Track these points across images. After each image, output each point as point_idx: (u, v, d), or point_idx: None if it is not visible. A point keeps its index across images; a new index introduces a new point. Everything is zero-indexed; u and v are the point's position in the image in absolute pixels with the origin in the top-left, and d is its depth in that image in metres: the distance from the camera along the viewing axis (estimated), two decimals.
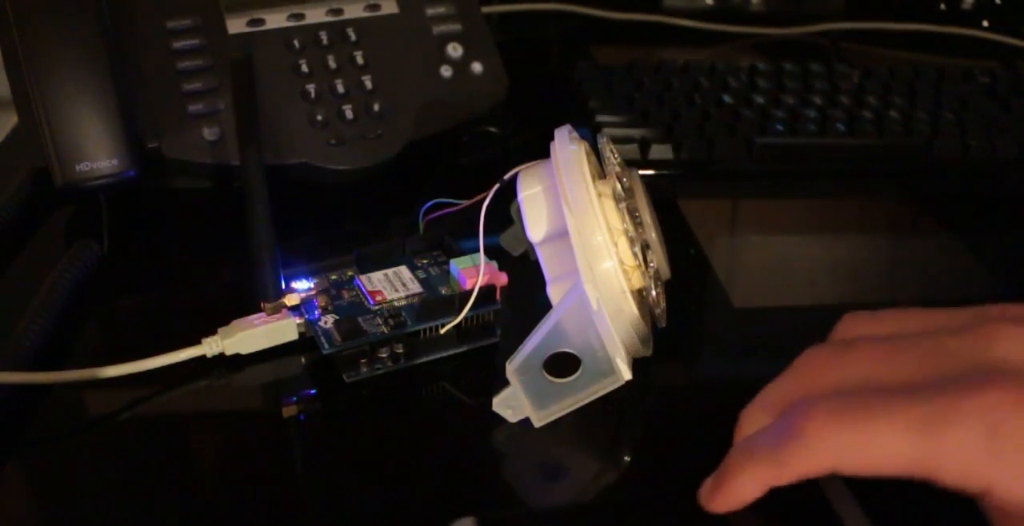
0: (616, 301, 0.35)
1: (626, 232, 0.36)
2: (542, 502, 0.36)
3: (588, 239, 0.35)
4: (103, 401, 0.40)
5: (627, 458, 0.39)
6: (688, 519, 0.34)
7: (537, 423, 0.36)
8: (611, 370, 0.35)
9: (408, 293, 0.43)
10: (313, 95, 0.53)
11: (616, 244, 0.36)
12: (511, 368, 0.35)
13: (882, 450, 0.29)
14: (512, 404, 0.37)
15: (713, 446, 0.39)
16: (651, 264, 0.36)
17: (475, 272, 0.41)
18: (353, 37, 0.55)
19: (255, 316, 0.42)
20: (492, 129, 0.63)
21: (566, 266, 0.37)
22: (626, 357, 0.36)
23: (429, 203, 0.45)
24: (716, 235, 0.54)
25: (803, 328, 0.45)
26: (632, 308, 0.36)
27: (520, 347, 0.35)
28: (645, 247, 0.36)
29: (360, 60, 0.54)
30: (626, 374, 0.35)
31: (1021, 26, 0.79)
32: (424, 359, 0.42)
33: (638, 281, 0.37)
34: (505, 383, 0.36)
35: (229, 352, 0.41)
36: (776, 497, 0.32)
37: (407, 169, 0.54)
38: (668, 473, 0.37)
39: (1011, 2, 0.81)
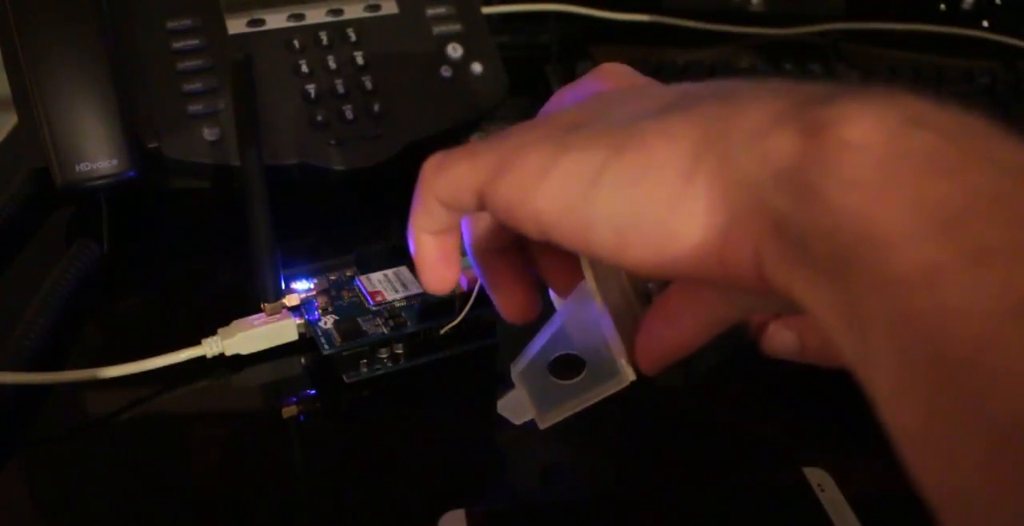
0: (620, 301, 0.35)
1: None
2: (536, 498, 0.36)
3: None
4: (103, 401, 0.40)
5: (624, 456, 0.39)
6: (681, 515, 0.34)
7: (542, 425, 0.36)
8: (615, 371, 0.34)
9: (408, 294, 0.43)
10: (313, 95, 0.53)
11: None
12: (516, 371, 0.35)
13: (455, 175, 0.29)
14: (516, 407, 0.37)
15: (711, 445, 0.39)
16: None
17: (475, 273, 0.41)
18: (353, 37, 0.55)
19: (255, 316, 0.42)
20: (492, 129, 0.63)
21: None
22: (630, 358, 0.36)
23: None
24: None
25: None
26: (636, 308, 0.36)
27: (524, 350, 0.35)
28: None
29: (360, 60, 0.54)
30: (630, 375, 0.35)
31: (1021, 26, 0.79)
32: (424, 360, 0.42)
33: (638, 281, 0.37)
34: (507, 385, 0.36)
35: (229, 352, 0.41)
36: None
37: (407, 169, 0.54)
38: (663, 470, 0.37)
39: (1011, 2, 0.81)
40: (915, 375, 0.19)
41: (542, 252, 0.34)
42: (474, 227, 0.33)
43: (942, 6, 0.82)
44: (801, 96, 0.23)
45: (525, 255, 0.34)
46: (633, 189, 0.24)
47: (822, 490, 0.34)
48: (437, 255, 0.32)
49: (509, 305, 0.34)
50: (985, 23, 0.81)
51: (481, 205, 0.28)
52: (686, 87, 0.28)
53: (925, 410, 0.19)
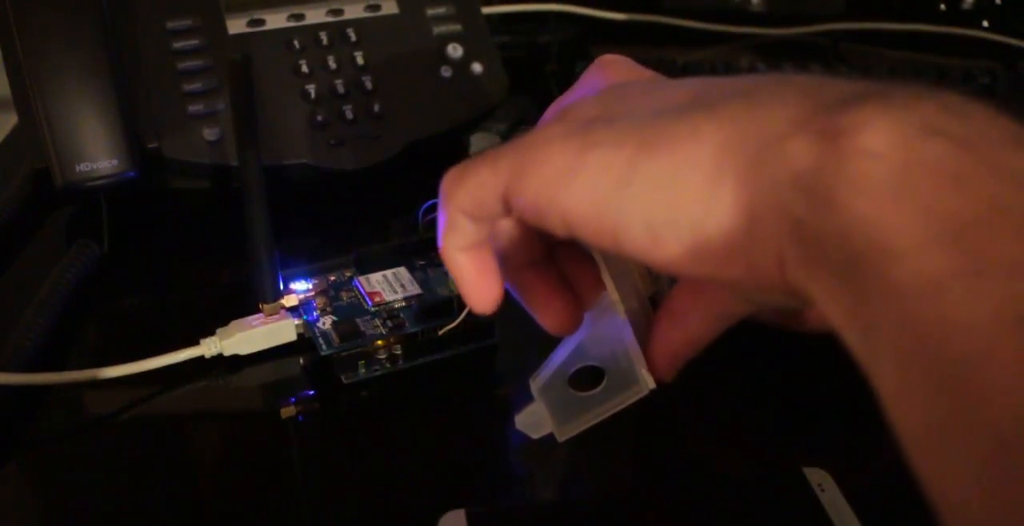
0: (636, 309, 0.35)
1: None
2: (536, 499, 0.36)
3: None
4: (103, 401, 0.40)
5: (623, 456, 0.39)
6: (681, 515, 0.34)
7: (561, 438, 0.36)
8: (634, 380, 0.34)
9: (407, 294, 0.43)
10: (313, 95, 0.53)
11: None
12: (536, 386, 0.35)
13: (476, 182, 0.28)
14: (535, 421, 0.36)
15: (711, 445, 0.39)
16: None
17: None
18: (353, 37, 0.55)
19: (254, 317, 0.42)
20: (492, 129, 0.63)
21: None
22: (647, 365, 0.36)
23: (429, 203, 0.45)
24: None
25: None
26: (650, 314, 0.36)
27: (544, 364, 0.35)
28: None
29: (360, 60, 0.54)
30: (650, 383, 0.34)
31: (1021, 26, 0.79)
32: (422, 360, 0.42)
33: (650, 288, 0.37)
34: (523, 400, 0.36)
35: (228, 353, 0.41)
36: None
37: (407, 169, 0.54)
38: (664, 470, 0.37)
39: (1011, 2, 0.81)
40: (916, 380, 0.19)
41: (565, 265, 0.34)
42: (501, 243, 0.32)
43: (942, 6, 0.82)
44: (824, 98, 0.23)
45: (556, 266, 0.34)
46: (667, 189, 0.24)
47: (822, 490, 0.34)
48: (475, 272, 0.31)
49: (551, 318, 0.33)
50: (985, 23, 0.81)
51: (507, 209, 0.28)
52: (703, 81, 0.27)
53: (925, 414, 0.19)
